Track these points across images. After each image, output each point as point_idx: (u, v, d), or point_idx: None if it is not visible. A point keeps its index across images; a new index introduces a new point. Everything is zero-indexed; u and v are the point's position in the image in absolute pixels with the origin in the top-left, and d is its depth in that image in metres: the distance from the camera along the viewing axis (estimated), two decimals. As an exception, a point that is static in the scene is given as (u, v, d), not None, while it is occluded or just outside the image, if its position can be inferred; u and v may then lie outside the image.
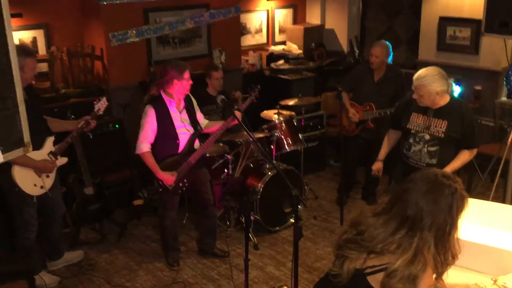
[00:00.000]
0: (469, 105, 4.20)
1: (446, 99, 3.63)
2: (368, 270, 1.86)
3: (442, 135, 3.61)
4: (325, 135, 6.23)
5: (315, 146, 6.11)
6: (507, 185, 4.77)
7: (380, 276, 1.83)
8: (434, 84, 3.52)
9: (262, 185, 4.67)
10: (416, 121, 3.70)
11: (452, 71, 6.15)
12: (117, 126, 5.21)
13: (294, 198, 2.84)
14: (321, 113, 6.25)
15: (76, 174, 4.42)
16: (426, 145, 3.66)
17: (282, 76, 6.65)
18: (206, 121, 4.40)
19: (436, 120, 3.62)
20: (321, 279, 2.15)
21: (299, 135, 5.24)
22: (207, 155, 4.69)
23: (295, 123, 5.25)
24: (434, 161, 3.65)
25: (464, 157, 3.67)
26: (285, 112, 5.32)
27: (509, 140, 4.68)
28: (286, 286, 3.87)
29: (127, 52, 5.49)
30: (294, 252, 2.89)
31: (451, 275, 2.03)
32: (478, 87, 6.11)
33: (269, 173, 4.73)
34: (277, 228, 4.89)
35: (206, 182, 4.25)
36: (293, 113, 5.38)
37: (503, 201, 4.81)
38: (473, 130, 3.66)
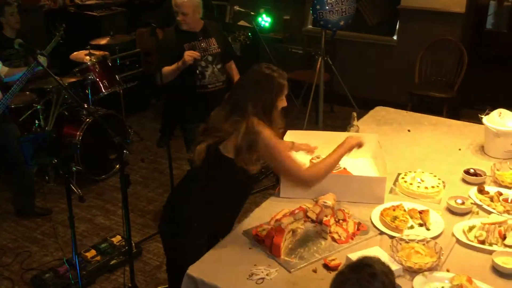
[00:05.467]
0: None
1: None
2: (218, 141, 2.26)
3: (219, 50, 3.69)
4: (144, 74, 5.99)
5: (134, 86, 5.85)
6: (318, 108, 5.17)
7: (228, 143, 2.23)
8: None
9: (81, 134, 4.37)
10: (193, 50, 3.63)
11: (261, 2, 6.30)
12: None
13: (117, 146, 2.67)
14: (137, 50, 5.97)
15: None
16: (213, 65, 3.68)
17: (89, 13, 6.16)
18: (6, 68, 3.93)
19: (207, 40, 3.67)
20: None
21: (116, 76, 4.97)
22: (12, 106, 4.18)
23: (109, 64, 4.97)
24: (225, 76, 3.75)
25: (236, 68, 3.87)
26: (97, 53, 4.99)
27: (318, 66, 5.01)
28: (119, 234, 3.74)
29: None
30: (123, 200, 2.77)
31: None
32: (286, 17, 6.36)
33: (87, 120, 4.43)
34: (103, 176, 4.68)
35: (14, 137, 3.80)
36: (107, 53, 5.10)
37: (316, 122, 5.22)
38: (229, 42, 4.15)
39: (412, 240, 2.23)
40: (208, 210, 2.35)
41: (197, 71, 3.63)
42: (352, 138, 2.48)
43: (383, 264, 1.59)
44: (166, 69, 3.57)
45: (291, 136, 3.02)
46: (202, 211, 2.35)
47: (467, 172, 2.82)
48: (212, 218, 2.38)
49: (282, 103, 2.34)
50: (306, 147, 2.83)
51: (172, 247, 2.47)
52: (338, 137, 3.07)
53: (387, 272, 1.56)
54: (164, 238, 2.54)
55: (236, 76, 3.90)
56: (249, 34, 5.23)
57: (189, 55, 3.49)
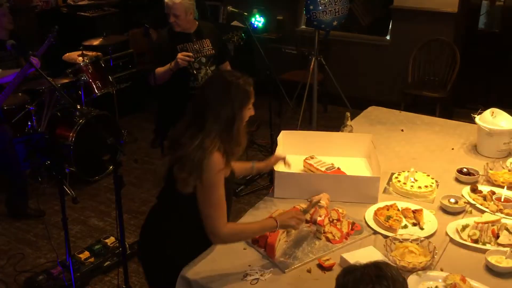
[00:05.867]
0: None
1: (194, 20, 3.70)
2: (172, 166, 2.10)
3: (213, 52, 3.68)
4: (137, 74, 5.97)
5: (128, 86, 5.84)
6: (312, 108, 5.18)
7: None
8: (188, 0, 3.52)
9: (74, 135, 4.35)
10: (185, 51, 3.60)
11: (255, 2, 6.30)
12: None
13: (110, 147, 2.66)
14: (131, 51, 5.95)
15: None
16: (206, 67, 3.66)
17: (82, 14, 6.14)
18: (0, 70, 3.88)
19: (200, 41, 3.65)
20: None
21: (109, 76, 4.95)
22: (5, 107, 4.16)
23: (102, 65, 4.96)
24: None
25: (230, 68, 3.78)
26: (90, 53, 4.97)
27: (311, 66, 5.02)
28: (113, 236, 3.73)
29: None
30: (117, 201, 2.76)
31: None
32: (280, 17, 6.37)
33: (80, 121, 4.41)
34: (97, 177, 4.66)
35: (6, 139, 3.78)
36: (99, 53, 5.07)
37: (310, 122, 5.23)
38: (225, 42, 4.01)
39: (406, 240, 2.23)
40: (193, 216, 2.16)
41: (190, 70, 3.62)
42: (292, 219, 2.18)
43: (396, 273, 1.53)
44: (159, 70, 3.57)
45: (285, 136, 3.02)
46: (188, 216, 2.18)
47: (460, 171, 2.83)
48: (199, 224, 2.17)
49: (250, 112, 2.15)
50: (275, 160, 2.67)
51: (160, 250, 2.27)
52: (332, 137, 3.10)
53: (397, 280, 1.50)
54: (152, 239, 2.33)
55: None
56: (243, 34, 5.22)
57: (181, 58, 3.47)
